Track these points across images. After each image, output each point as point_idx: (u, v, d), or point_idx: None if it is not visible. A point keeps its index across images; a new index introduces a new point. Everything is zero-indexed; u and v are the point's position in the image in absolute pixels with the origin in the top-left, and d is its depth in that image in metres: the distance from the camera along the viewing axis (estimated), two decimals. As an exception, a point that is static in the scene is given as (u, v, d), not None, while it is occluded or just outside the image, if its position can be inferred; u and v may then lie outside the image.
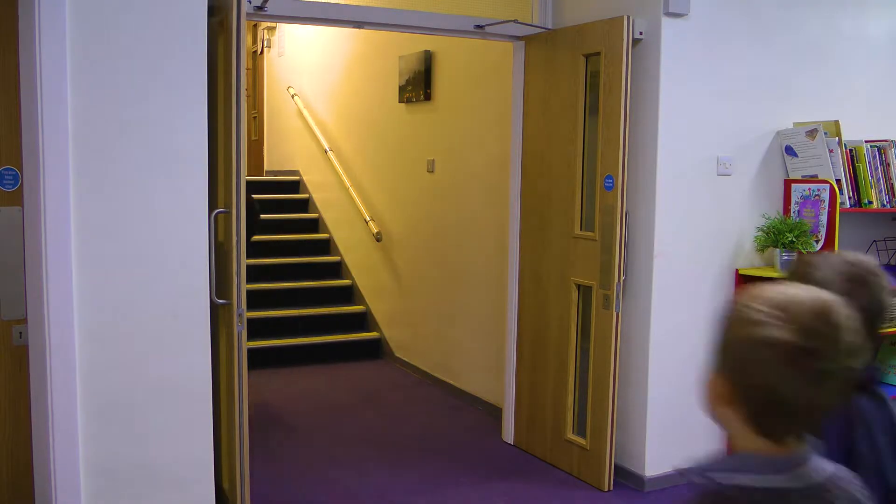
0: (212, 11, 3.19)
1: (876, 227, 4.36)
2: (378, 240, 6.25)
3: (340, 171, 7.06)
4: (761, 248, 4.01)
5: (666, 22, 3.76)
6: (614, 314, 3.82)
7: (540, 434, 4.32)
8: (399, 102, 6.02)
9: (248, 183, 3.35)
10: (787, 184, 4.12)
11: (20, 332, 3.03)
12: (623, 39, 3.71)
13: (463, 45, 5.17)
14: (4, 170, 2.99)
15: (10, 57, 2.94)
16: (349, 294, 6.88)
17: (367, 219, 6.46)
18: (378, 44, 6.36)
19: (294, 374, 5.90)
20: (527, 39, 4.29)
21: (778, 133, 4.11)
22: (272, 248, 7.01)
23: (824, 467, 1.22)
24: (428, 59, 5.64)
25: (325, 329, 6.48)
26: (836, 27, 4.24)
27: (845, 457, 1.57)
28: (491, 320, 4.98)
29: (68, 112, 2.89)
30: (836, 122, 4.00)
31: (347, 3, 4.38)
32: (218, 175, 3.33)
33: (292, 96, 8.01)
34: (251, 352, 3.70)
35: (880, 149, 4.10)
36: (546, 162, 4.20)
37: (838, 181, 3.95)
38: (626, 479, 4.01)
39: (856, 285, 1.57)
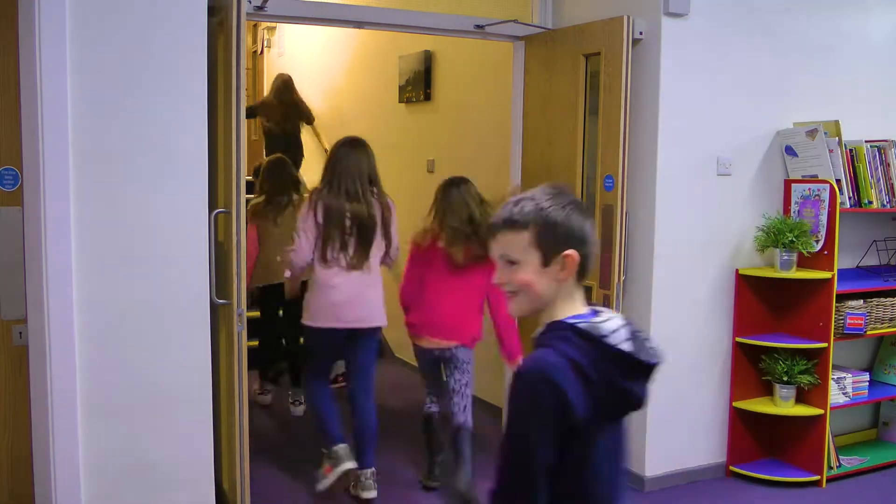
0: (212, 11, 3.18)
1: (876, 227, 4.36)
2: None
3: (340, 171, 7.05)
4: (761, 248, 4.01)
5: (666, 22, 3.76)
6: (614, 314, 3.81)
7: (540, 434, 4.31)
8: (399, 102, 6.02)
9: (249, 183, 3.35)
10: (787, 184, 4.12)
11: (20, 332, 3.03)
12: (623, 39, 3.71)
13: (463, 45, 5.17)
14: (4, 170, 2.99)
15: (10, 58, 2.94)
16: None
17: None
18: (378, 44, 6.36)
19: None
20: (527, 39, 4.29)
21: (778, 133, 4.11)
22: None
23: None
24: (428, 59, 5.63)
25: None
26: (837, 27, 4.23)
27: None
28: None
29: (68, 112, 2.89)
30: (836, 122, 4.00)
31: (347, 3, 4.38)
32: (218, 175, 3.33)
33: (292, 96, 8.00)
34: (251, 352, 3.68)
35: (880, 149, 4.10)
36: (546, 162, 4.20)
37: (838, 181, 3.95)
38: (626, 479, 4.01)
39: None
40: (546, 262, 1.55)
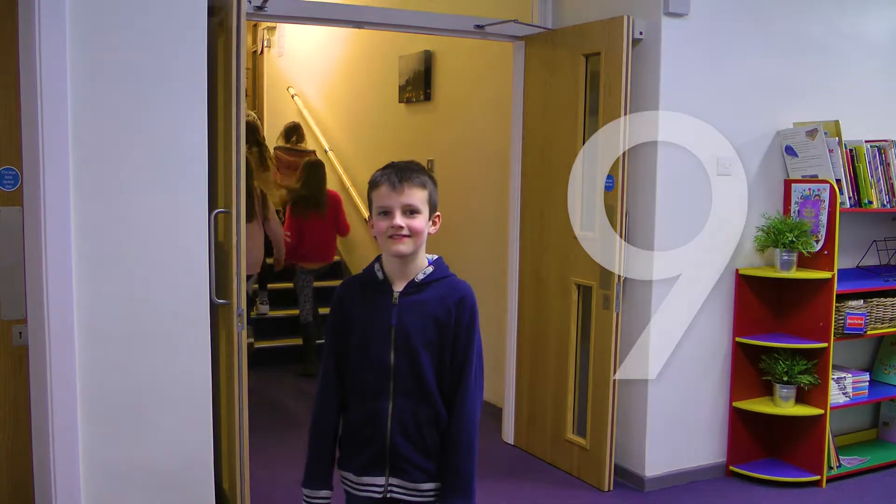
0: (212, 11, 3.19)
1: (876, 227, 4.36)
2: (378, 240, 6.23)
3: (341, 170, 7.06)
4: (761, 248, 4.01)
5: (666, 22, 3.76)
6: (614, 314, 3.82)
7: (540, 434, 4.32)
8: (399, 102, 6.02)
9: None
10: (787, 184, 4.12)
11: (20, 332, 3.03)
12: (623, 39, 3.71)
13: (463, 45, 5.17)
14: (4, 170, 2.99)
15: (10, 57, 2.94)
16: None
17: (367, 219, 6.45)
18: (378, 44, 6.36)
19: (295, 374, 5.90)
20: (527, 39, 4.29)
21: (778, 133, 4.11)
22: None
23: None
24: (428, 59, 5.64)
25: (326, 329, 6.46)
26: (837, 27, 4.24)
27: None
28: (491, 320, 4.98)
29: (68, 112, 2.89)
30: (836, 122, 4.00)
31: (347, 3, 4.38)
32: (218, 175, 3.33)
33: (292, 96, 8.01)
34: (251, 352, 3.70)
35: (880, 149, 4.10)
36: (546, 162, 4.20)
37: (838, 181, 3.95)
38: (626, 479, 4.01)
39: None
40: (429, 217, 2.10)
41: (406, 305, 2.09)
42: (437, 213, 2.14)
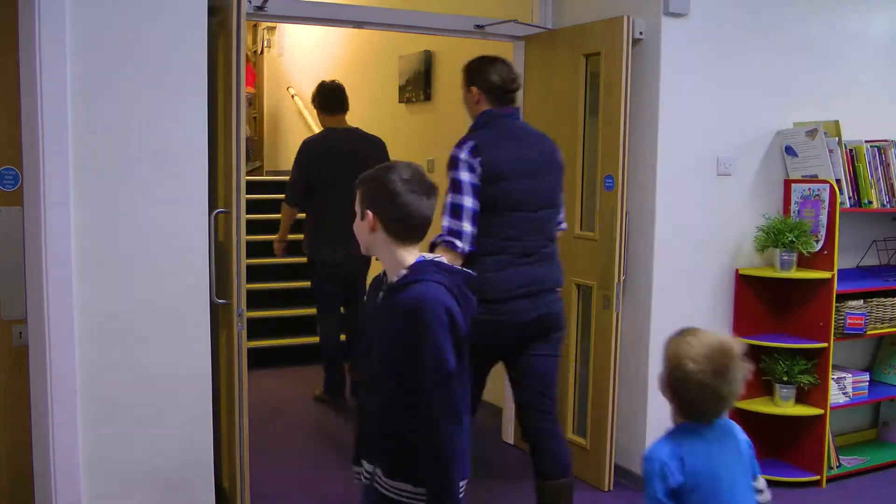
0: (212, 11, 3.19)
1: (876, 227, 4.36)
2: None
3: (340, 171, 7.05)
4: (761, 248, 4.01)
5: (666, 22, 3.76)
6: (614, 314, 3.82)
7: (540, 434, 4.31)
8: (399, 102, 6.02)
9: (248, 183, 3.36)
10: (787, 184, 4.12)
11: (20, 332, 3.03)
12: (623, 39, 3.71)
13: (463, 45, 5.16)
14: (4, 170, 2.99)
15: (10, 57, 2.94)
16: (349, 294, 6.88)
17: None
18: (378, 44, 6.36)
19: (294, 374, 5.90)
20: (527, 39, 4.29)
21: (778, 133, 4.11)
22: (272, 247, 7.01)
23: None
24: (428, 59, 5.64)
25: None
26: (837, 27, 4.24)
27: None
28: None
29: (68, 112, 2.89)
30: (836, 122, 4.00)
31: (347, 3, 4.38)
32: (218, 175, 3.33)
33: (292, 96, 8.02)
34: (251, 352, 3.69)
35: (880, 149, 4.10)
36: (546, 162, 4.19)
37: (838, 181, 3.95)
38: (626, 479, 4.01)
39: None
40: (361, 216, 2.01)
41: (380, 308, 2.07)
42: (367, 210, 2.00)
